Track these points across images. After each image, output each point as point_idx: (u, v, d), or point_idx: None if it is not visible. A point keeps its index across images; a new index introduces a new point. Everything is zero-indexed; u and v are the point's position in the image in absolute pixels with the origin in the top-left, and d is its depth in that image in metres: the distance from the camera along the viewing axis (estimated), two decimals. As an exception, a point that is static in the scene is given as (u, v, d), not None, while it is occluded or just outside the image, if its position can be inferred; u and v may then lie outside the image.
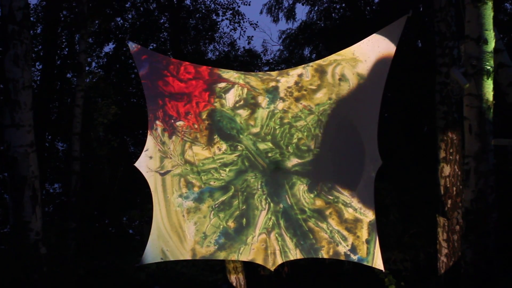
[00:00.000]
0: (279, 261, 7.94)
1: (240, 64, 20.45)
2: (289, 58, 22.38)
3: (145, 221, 13.77)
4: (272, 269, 7.98)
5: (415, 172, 12.67)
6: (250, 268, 9.80)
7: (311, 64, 7.99)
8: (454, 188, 9.54)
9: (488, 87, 7.00)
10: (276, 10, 22.18)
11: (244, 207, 7.99)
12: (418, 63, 14.99)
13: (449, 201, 9.53)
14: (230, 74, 8.10)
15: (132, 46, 8.10)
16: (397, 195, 11.59)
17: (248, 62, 21.25)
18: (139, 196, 15.30)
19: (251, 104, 8.02)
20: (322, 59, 7.96)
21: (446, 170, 9.62)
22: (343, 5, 20.12)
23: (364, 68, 7.65)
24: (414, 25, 16.07)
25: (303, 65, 8.08)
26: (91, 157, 15.08)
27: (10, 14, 8.19)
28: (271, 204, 7.97)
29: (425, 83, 12.65)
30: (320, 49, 20.80)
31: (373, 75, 7.62)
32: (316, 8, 21.08)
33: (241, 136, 8.03)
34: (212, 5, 21.40)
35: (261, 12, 22.36)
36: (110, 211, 14.70)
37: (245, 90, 8.02)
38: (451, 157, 9.60)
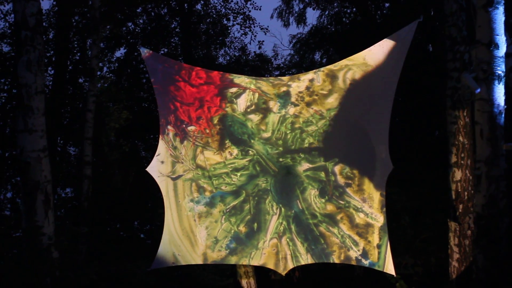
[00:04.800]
0: (290, 265, 7.93)
1: (251, 69, 20.53)
2: (300, 63, 22.44)
3: (156, 225, 13.82)
4: (283, 273, 7.97)
5: (426, 177, 12.65)
6: (261, 272, 9.81)
7: (322, 69, 7.99)
8: (466, 193, 9.52)
9: (499, 91, 7.00)
10: (286, 15, 22.25)
11: (255, 211, 8.00)
12: (429, 67, 14.97)
13: (461, 206, 9.50)
14: (241, 79, 8.12)
15: (144, 51, 8.14)
16: (408, 200, 11.57)
17: (259, 66, 21.33)
18: (150, 201, 15.36)
19: (262, 109, 8.04)
20: (333, 64, 7.96)
21: (458, 175, 9.60)
22: (354, 9, 20.13)
23: (375, 73, 7.65)
24: (425, 30, 16.07)
25: (314, 70, 8.08)
26: (102, 162, 15.17)
27: (23, 20, 8.25)
28: (282, 209, 7.97)
29: (436, 88, 12.64)
30: (331, 54, 20.84)
31: (384, 80, 7.62)
32: (326, 12, 21.14)
33: (252, 141, 8.05)
34: (223, 10, 21.50)
35: (271, 17, 22.45)
36: (121, 216, 14.77)
37: (257, 95, 8.04)
38: (462, 162, 9.58)
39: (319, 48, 21.77)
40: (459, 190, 9.55)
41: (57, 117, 16.79)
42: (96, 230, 12.98)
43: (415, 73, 14.16)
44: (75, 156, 17.66)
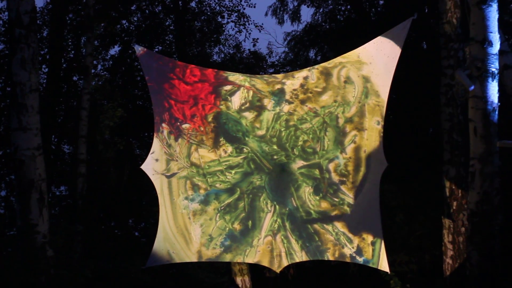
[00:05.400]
0: (285, 263, 7.95)
1: (245, 66, 20.51)
2: (294, 60, 22.39)
3: (151, 223, 13.81)
4: (278, 271, 7.99)
5: (421, 174, 12.66)
6: (255, 270, 9.82)
7: (316, 66, 8.01)
8: (460, 190, 9.54)
9: (493, 89, 7.01)
10: (281, 12, 22.18)
11: (249, 209, 8.01)
12: (423, 65, 14.99)
13: (455, 203, 9.52)
14: (236, 77, 8.13)
15: (138, 49, 8.14)
16: (403, 197, 11.59)
17: (253, 64, 21.29)
18: (145, 198, 15.35)
19: (257, 107, 8.05)
20: (327, 62, 7.98)
21: (451, 172, 9.62)
22: (348, 7, 20.11)
23: (369, 70, 7.67)
24: (419, 27, 16.06)
25: (308, 68, 8.11)
26: (97, 160, 15.15)
27: (17, 18, 8.23)
28: (277, 207, 7.98)
29: (430, 85, 12.65)
30: (325, 51, 20.83)
31: (378, 77, 7.64)
32: (321, 10, 21.09)
33: (246, 138, 8.05)
34: (217, 8, 21.47)
35: (266, 14, 22.34)
36: (116, 214, 14.75)
37: (251, 93, 8.05)
38: (456, 159, 9.60)
39: (313, 45, 21.74)
40: (453, 187, 9.57)
41: (51, 115, 16.76)
42: (91, 228, 12.96)
43: (409, 70, 14.16)
44: (69, 154, 17.64)
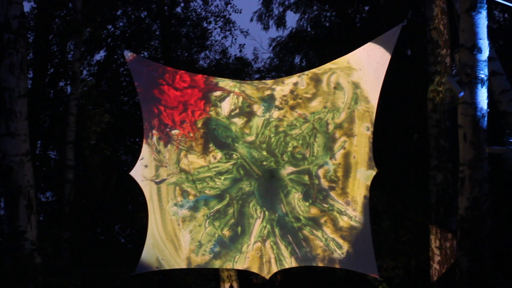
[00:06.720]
0: (274, 269, 7.94)
1: (231, 72, 20.47)
2: (280, 66, 22.40)
3: (137, 229, 13.74)
4: (267, 277, 7.98)
5: (408, 179, 12.71)
6: (243, 276, 9.82)
7: (306, 72, 8.02)
8: (447, 196, 9.60)
9: (482, 95, 7.07)
10: (266, 18, 22.18)
11: (239, 215, 7.99)
12: (408, 71, 15.05)
13: (442, 209, 9.58)
14: (225, 83, 8.12)
15: (128, 55, 8.11)
16: (389, 203, 11.63)
17: (239, 69, 21.26)
18: (131, 204, 15.28)
19: (247, 113, 8.04)
20: (317, 68, 7.99)
21: (439, 177, 9.68)
22: (333, 13, 20.18)
23: (359, 76, 7.70)
24: (403, 33, 16.13)
25: (298, 74, 8.12)
26: (83, 166, 15.06)
27: (6, 23, 8.18)
28: (266, 213, 7.97)
29: (417, 91, 12.72)
30: (310, 57, 20.87)
31: (367, 83, 7.67)
32: (306, 15, 21.15)
33: (236, 144, 8.04)
34: (203, 13, 21.45)
35: (251, 20, 22.35)
36: (103, 220, 14.68)
37: (241, 99, 8.04)
38: (443, 165, 9.66)
39: (298, 51, 21.77)
40: (440, 193, 9.62)
41: (37, 120, 16.65)
42: (78, 235, 12.88)
43: (396, 76, 14.22)
44: (55, 160, 17.53)
